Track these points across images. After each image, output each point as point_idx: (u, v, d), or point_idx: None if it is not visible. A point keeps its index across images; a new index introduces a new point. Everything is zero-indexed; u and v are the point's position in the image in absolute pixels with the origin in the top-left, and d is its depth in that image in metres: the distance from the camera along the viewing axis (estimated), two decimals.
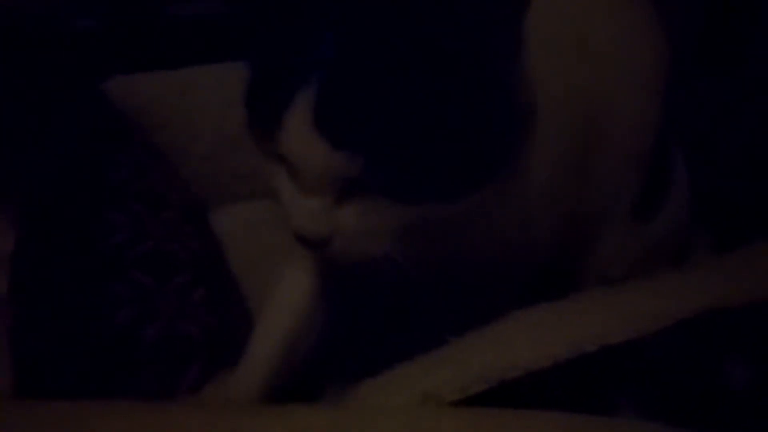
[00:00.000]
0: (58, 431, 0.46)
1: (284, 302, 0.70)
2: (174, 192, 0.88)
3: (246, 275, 0.86)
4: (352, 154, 0.50)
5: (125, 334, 0.67)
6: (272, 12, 0.56)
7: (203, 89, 0.99)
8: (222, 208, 0.98)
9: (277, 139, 0.52)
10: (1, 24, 0.98)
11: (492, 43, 0.52)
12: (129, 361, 0.67)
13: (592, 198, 0.70)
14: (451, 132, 0.52)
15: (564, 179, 0.64)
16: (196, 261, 0.78)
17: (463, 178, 0.54)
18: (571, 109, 0.63)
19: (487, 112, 0.53)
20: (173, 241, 0.78)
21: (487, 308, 0.57)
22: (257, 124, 0.56)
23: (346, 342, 0.71)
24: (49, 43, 1.02)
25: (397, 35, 0.51)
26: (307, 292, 0.69)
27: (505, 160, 0.56)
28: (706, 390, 0.54)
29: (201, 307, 0.73)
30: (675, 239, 0.82)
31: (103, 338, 0.67)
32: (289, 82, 0.51)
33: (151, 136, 0.96)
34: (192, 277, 0.75)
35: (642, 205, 0.74)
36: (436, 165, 0.52)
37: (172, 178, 0.94)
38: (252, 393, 0.66)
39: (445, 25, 0.51)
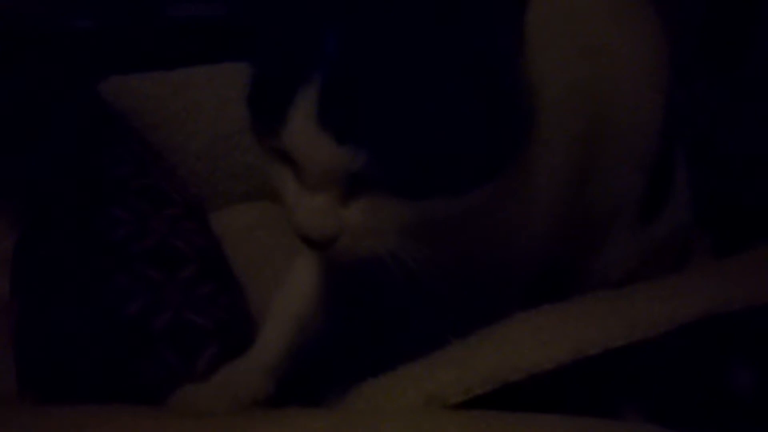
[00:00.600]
0: None
1: (295, 288, 0.70)
2: (175, 190, 0.88)
3: (244, 277, 0.85)
4: (357, 149, 0.50)
5: (135, 324, 0.67)
6: (275, 7, 0.55)
7: (198, 89, 0.99)
8: (219, 211, 0.98)
9: (281, 135, 0.52)
10: None
11: (494, 39, 0.52)
12: (141, 349, 0.66)
13: (598, 198, 0.70)
14: (456, 126, 0.51)
15: (568, 178, 0.64)
16: (201, 255, 0.78)
17: (467, 173, 0.53)
18: (574, 108, 0.62)
19: (490, 107, 0.53)
20: (177, 237, 0.77)
21: (491, 309, 0.57)
22: (260, 122, 0.55)
23: (348, 342, 0.71)
24: (47, 44, 1.02)
25: (400, 29, 0.51)
26: (316, 279, 0.69)
27: (508, 157, 0.55)
28: (710, 394, 0.54)
29: (208, 299, 0.73)
30: (676, 240, 0.82)
31: (112, 329, 0.66)
32: (292, 77, 0.51)
33: (147, 135, 0.95)
34: (198, 272, 0.74)
35: (647, 206, 0.74)
36: (440, 159, 0.51)
37: (172, 177, 0.93)
38: (263, 374, 0.65)
39: (448, 19, 0.51)
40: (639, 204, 0.74)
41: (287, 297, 0.70)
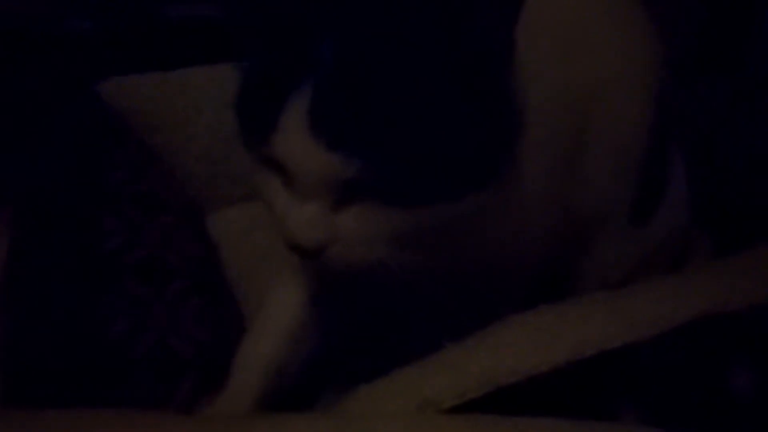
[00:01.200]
0: None
1: (276, 314, 0.68)
2: (171, 194, 0.88)
3: (241, 279, 0.85)
4: (349, 156, 0.49)
5: (118, 347, 0.67)
6: (266, 13, 0.55)
7: (198, 90, 0.99)
8: (217, 213, 0.98)
9: (271, 143, 0.52)
10: None
11: (488, 46, 0.52)
12: (120, 376, 0.66)
13: (588, 200, 0.69)
14: (449, 133, 0.51)
15: (560, 180, 0.64)
16: (192, 267, 0.78)
17: (460, 180, 0.53)
18: (564, 110, 0.62)
19: (483, 112, 0.52)
20: (168, 247, 0.78)
21: (485, 313, 0.56)
22: (249, 129, 0.55)
23: (341, 347, 0.71)
24: (45, 45, 1.01)
25: (392, 36, 0.51)
26: (296, 309, 0.68)
27: (502, 161, 0.55)
28: (709, 394, 0.53)
29: (194, 318, 0.73)
30: (673, 242, 0.82)
31: (96, 351, 0.67)
32: (283, 84, 0.51)
33: (146, 137, 0.95)
34: (186, 285, 0.75)
35: (639, 207, 0.74)
36: (433, 166, 0.51)
37: (169, 180, 0.93)
38: (244, 406, 0.64)
39: (440, 27, 0.51)
40: (630, 204, 0.73)
41: (264, 336, 0.68)
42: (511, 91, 0.55)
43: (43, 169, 0.82)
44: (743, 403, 0.53)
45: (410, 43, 0.50)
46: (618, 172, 0.71)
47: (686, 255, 0.87)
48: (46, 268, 0.73)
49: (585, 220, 0.71)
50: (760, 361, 0.54)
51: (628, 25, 0.72)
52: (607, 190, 0.71)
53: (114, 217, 0.77)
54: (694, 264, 0.86)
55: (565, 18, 0.65)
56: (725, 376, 0.54)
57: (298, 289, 0.68)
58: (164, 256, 0.76)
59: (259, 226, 0.93)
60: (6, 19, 1.00)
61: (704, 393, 0.53)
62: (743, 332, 0.55)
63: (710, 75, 1.05)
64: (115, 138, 0.89)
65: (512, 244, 0.63)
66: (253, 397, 0.65)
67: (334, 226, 0.53)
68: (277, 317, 0.68)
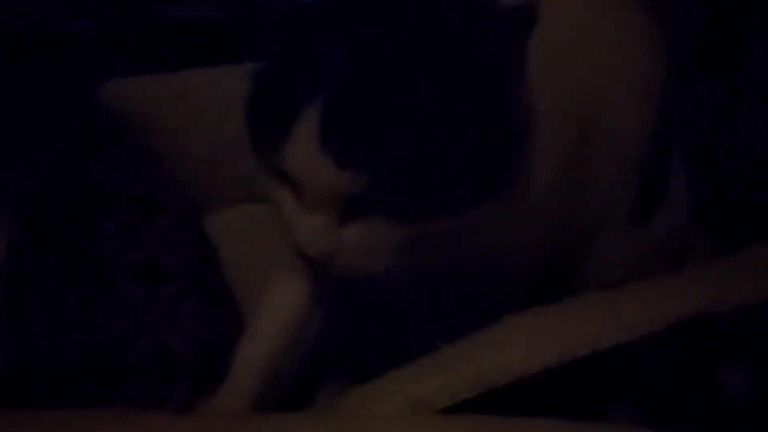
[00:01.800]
0: None
1: (274, 315, 0.68)
2: (169, 197, 0.88)
3: (240, 280, 0.85)
4: (358, 173, 0.50)
5: (115, 348, 0.67)
6: (280, 26, 0.55)
7: (200, 92, 0.98)
8: (216, 213, 0.98)
9: (282, 154, 0.52)
10: None
11: (499, 62, 0.52)
12: (118, 377, 0.67)
13: (590, 203, 0.69)
14: (457, 149, 0.51)
15: (563, 185, 0.64)
16: (189, 269, 0.78)
17: (468, 193, 0.53)
18: (569, 116, 0.62)
19: (493, 129, 0.53)
20: (167, 249, 0.78)
21: (483, 314, 0.56)
22: (260, 137, 0.55)
23: (336, 349, 0.71)
24: (45, 45, 1.02)
25: (404, 54, 0.51)
26: (298, 303, 0.68)
27: (509, 173, 0.55)
28: (704, 394, 0.53)
29: (191, 319, 0.73)
30: (673, 242, 0.82)
31: (93, 352, 0.67)
32: (295, 96, 0.51)
33: (147, 139, 0.95)
34: (183, 287, 0.75)
35: (639, 209, 0.74)
36: (441, 181, 0.51)
37: (168, 181, 0.93)
38: (240, 409, 0.64)
39: (454, 44, 0.51)
40: (631, 206, 0.73)
41: (265, 328, 0.68)
42: (520, 102, 0.55)
43: (43, 169, 0.83)
44: (738, 402, 0.53)
45: (421, 62, 0.51)
46: (620, 176, 0.71)
47: (686, 255, 0.87)
48: (44, 268, 0.73)
49: (587, 222, 0.71)
50: (756, 360, 0.54)
51: (633, 30, 0.71)
52: (609, 193, 0.71)
53: (112, 220, 0.77)
54: (692, 264, 0.86)
55: (569, 24, 0.65)
56: (721, 375, 0.54)
57: (297, 288, 0.68)
58: (162, 257, 0.77)
59: (258, 226, 0.93)
60: (6, 19, 1.00)
61: (700, 392, 0.54)
62: (739, 332, 0.55)
63: (710, 75, 1.05)
64: (114, 139, 0.90)
65: (514, 248, 0.63)
66: (251, 394, 0.65)
67: (341, 238, 0.53)
68: (275, 316, 0.68)
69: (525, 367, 0.49)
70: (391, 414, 0.50)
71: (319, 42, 0.52)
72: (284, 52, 0.54)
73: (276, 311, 0.68)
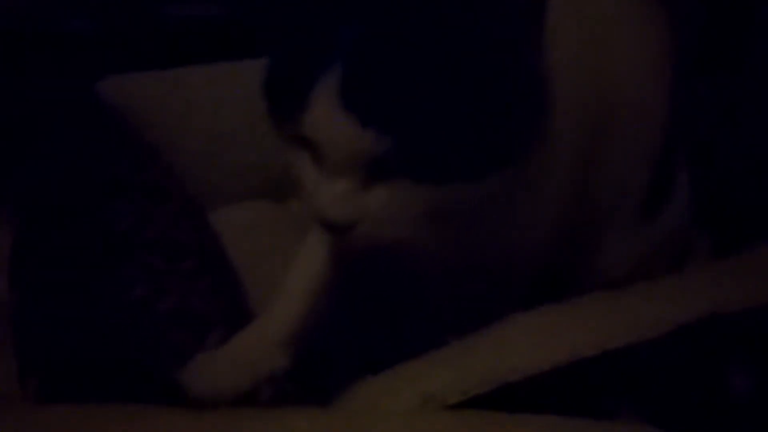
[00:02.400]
0: None
1: (308, 264, 0.69)
2: (173, 187, 0.88)
3: (243, 277, 0.85)
4: (380, 133, 0.50)
5: (140, 307, 0.66)
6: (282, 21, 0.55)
7: (195, 88, 1.00)
8: (217, 211, 0.98)
9: (301, 121, 0.51)
10: None
11: (516, 28, 0.52)
12: (147, 330, 0.65)
13: (600, 193, 0.70)
14: (478, 110, 0.51)
15: (580, 168, 0.64)
16: (202, 249, 0.77)
17: (487, 158, 0.53)
18: (585, 100, 0.62)
19: (512, 94, 0.53)
20: (178, 230, 0.77)
21: (487, 310, 0.56)
22: (279, 108, 0.55)
23: (346, 340, 0.71)
24: (45, 44, 1.01)
25: (423, 15, 0.51)
26: (323, 270, 0.69)
27: (526, 143, 0.55)
28: (707, 395, 0.53)
29: (211, 291, 0.72)
30: (676, 240, 0.82)
31: (117, 312, 0.65)
32: (313, 61, 0.51)
33: (145, 134, 0.95)
34: (198, 265, 0.74)
35: (648, 202, 0.74)
36: (462, 143, 0.51)
37: (169, 175, 0.93)
38: (278, 346, 0.66)
39: (471, 8, 0.51)
40: (641, 200, 0.73)
41: (300, 273, 0.69)
42: (539, 75, 0.55)
43: (45, 164, 0.82)
44: (742, 403, 0.53)
45: (441, 22, 0.50)
46: (632, 168, 0.71)
47: (686, 255, 0.87)
48: (56, 247, 0.72)
49: (595, 213, 0.71)
50: (760, 361, 0.54)
51: (646, 20, 0.72)
52: (620, 184, 0.71)
53: (123, 201, 0.76)
54: (694, 264, 0.86)
55: (590, 13, 0.65)
56: (725, 376, 0.54)
57: (323, 257, 0.69)
58: (175, 236, 0.76)
59: (259, 223, 0.94)
60: (6, 19, 1.00)
61: (704, 393, 0.54)
62: (743, 333, 0.55)
63: (710, 75, 1.06)
64: (115, 135, 0.89)
65: (527, 232, 0.63)
66: (295, 319, 0.66)
67: (363, 203, 0.53)
68: (313, 261, 0.69)
69: (534, 365, 0.49)
70: (397, 409, 0.50)
71: (336, 8, 0.52)
72: (302, 18, 0.54)
73: (310, 264, 0.69)
